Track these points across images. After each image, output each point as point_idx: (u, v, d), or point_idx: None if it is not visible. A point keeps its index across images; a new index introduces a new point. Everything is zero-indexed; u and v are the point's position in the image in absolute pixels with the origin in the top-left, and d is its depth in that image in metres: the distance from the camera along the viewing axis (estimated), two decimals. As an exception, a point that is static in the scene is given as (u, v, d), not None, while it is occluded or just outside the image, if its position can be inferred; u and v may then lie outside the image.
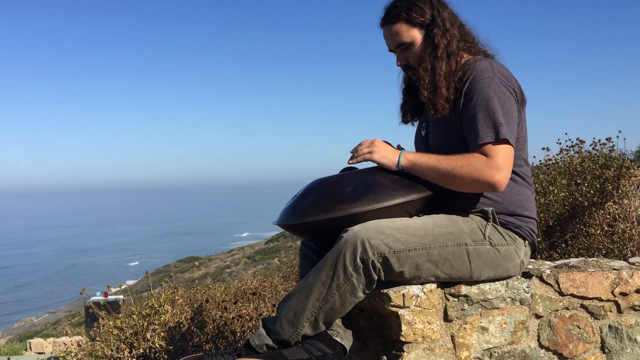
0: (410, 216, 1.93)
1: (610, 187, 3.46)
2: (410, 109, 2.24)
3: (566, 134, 4.45)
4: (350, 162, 2.02)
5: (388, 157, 1.96)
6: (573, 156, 4.16)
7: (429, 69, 1.98)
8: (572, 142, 4.28)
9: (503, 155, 1.82)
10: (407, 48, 2.06)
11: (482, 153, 1.84)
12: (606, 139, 3.98)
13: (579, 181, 3.62)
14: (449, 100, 1.93)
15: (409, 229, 1.82)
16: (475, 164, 1.82)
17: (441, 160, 1.88)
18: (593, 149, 4.06)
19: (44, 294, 48.43)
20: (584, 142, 4.19)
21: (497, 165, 1.81)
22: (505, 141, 1.83)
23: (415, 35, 2.02)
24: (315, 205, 1.87)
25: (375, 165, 2.01)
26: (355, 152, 2.01)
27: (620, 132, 4.06)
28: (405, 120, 2.27)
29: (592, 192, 3.49)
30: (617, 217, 3.32)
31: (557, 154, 4.30)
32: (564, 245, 3.44)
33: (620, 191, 3.45)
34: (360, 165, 2.06)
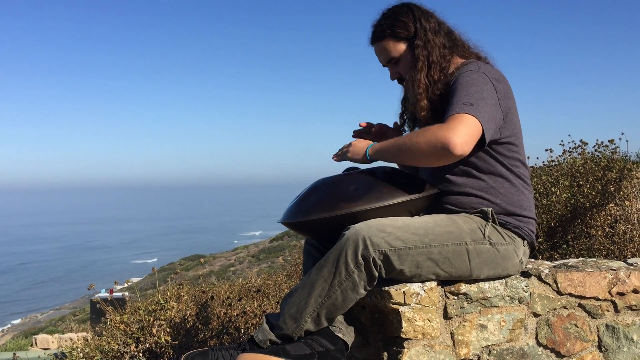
0: (412, 215, 1.97)
1: (612, 189, 3.49)
2: (409, 118, 2.29)
3: (569, 135, 4.48)
4: (333, 158, 2.13)
5: (357, 152, 2.03)
6: (576, 158, 4.18)
7: (409, 81, 2.06)
8: (575, 143, 4.30)
9: (463, 122, 1.77)
10: (397, 62, 2.13)
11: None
12: (609, 141, 4.00)
13: (581, 182, 3.65)
14: (428, 110, 2.00)
15: (410, 228, 1.85)
16: (430, 129, 1.81)
17: (400, 137, 1.95)
18: (596, 150, 4.08)
19: (56, 292, 48.46)
20: (586, 143, 4.21)
21: (452, 127, 1.76)
22: (471, 117, 1.79)
23: (402, 48, 2.09)
24: (318, 204, 1.91)
25: (378, 166, 2.06)
26: (339, 151, 2.12)
27: (622, 134, 4.08)
28: (403, 129, 2.33)
29: (594, 193, 3.51)
30: (618, 218, 3.35)
31: (559, 156, 4.32)
32: (565, 246, 3.46)
33: (622, 193, 3.47)
34: (364, 166, 2.11)
